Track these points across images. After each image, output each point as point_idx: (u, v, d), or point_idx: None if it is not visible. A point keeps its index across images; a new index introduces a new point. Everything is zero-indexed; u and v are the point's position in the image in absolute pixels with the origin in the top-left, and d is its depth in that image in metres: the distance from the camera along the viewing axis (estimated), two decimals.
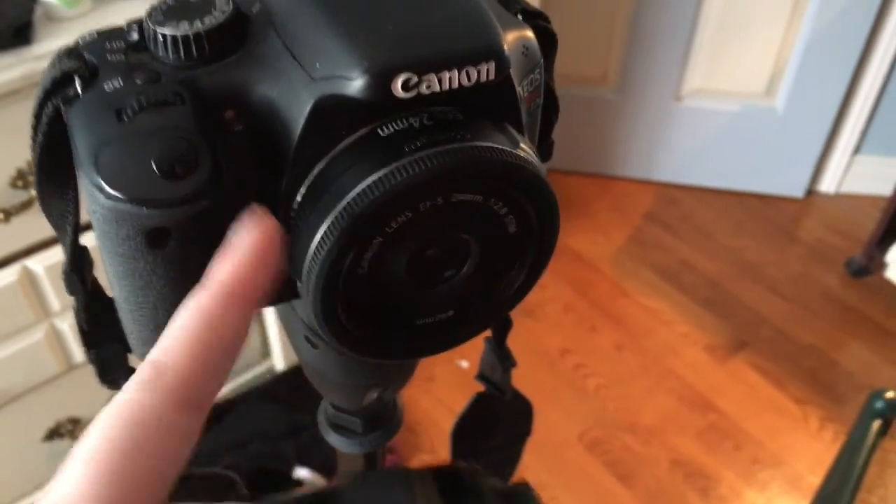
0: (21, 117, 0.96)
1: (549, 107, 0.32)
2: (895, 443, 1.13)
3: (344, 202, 0.23)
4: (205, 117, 0.24)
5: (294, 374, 1.40)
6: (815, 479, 1.45)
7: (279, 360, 1.44)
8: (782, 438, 1.58)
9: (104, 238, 0.24)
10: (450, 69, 0.23)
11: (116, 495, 0.19)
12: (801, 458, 1.54)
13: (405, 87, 0.23)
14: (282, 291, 0.29)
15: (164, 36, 0.25)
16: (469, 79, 0.24)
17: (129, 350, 0.30)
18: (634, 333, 1.78)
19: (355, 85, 0.23)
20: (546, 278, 0.29)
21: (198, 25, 0.25)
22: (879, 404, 1.32)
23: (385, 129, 0.24)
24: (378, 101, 0.23)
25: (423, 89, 0.23)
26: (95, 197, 0.23)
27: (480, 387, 0.46)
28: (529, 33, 0.28)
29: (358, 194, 0.23)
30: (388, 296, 0.27)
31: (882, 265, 1.85)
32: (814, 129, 2.04)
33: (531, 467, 1.55)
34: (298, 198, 0.25)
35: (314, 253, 0.24)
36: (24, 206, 0.96)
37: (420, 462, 1.29)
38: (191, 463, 0.22)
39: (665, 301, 1.85)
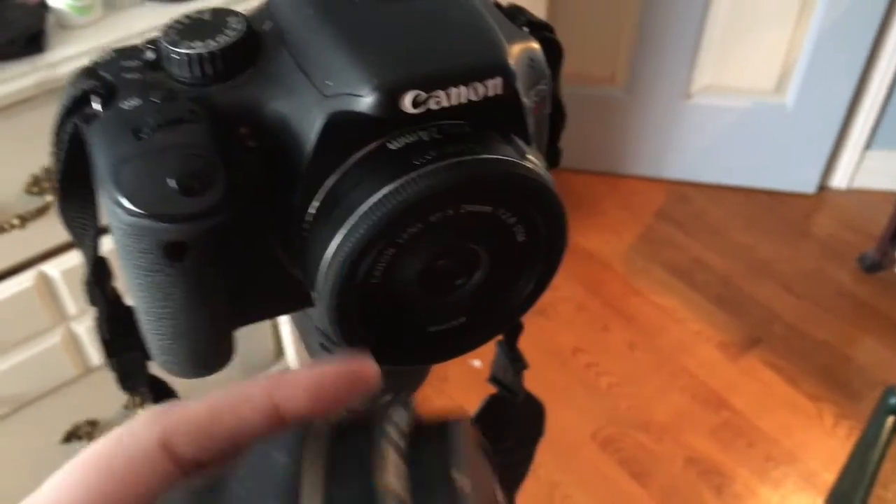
0: (35, 124, 0.97)
1: (557, 115, 0.32)
2: None
3: (357, 214, 0.24)
4: (219, 134, 0.25)
5: None
6: (829, 476, 1.45)
7: (293, 360, 1.45)
8: (796, 435, 1.58)
9: (125, 251, 0.25)
10: (457, 85, 0.24)
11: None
12: (815, 454, 1.54)
13: (414, 103, 0.24)
14: (296, 301, 0.30)
15: (179, 55, 0.25)
16: (476, 94, 0.24)
17: (148, 358, 0.31)
18: (647, 332, 1.78)
19: (366, 102, 0.24)
20: (557, 277, 0.30)
21: (211, 45, 0.25)
22: (894, 400, 1.31)
23: (395, 143, 0.25)
24: (388, 117, 0.24)
25: (432, 105, 0.24)
26: (116, 213, 0.24)
27: (493, 387, 0.46)
28: (535, 45, 0.29)
29: (370, 207, 0.24)
30: (400, 304, 0.27)
31: (895, 260, 1.85)
32: (824, 125, 2.03)
33: (544, 466, 1.56)
34: (311, 210, 0.25)
35: (328, 264, 0.24)
36: (40, 211, 0.97)
37: None
38: None
39: (677, 299, 1.85)
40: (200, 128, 0.24)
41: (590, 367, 1.71)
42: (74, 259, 1.02)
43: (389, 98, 0.23)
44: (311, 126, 0.25)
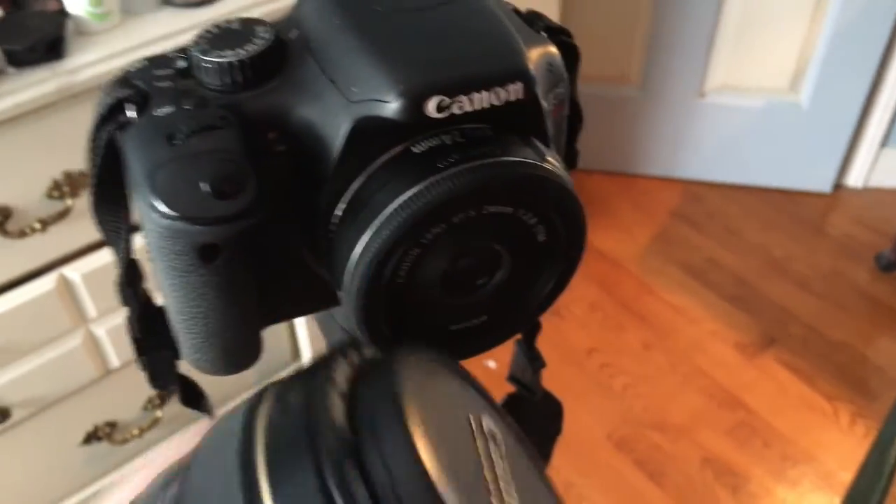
0: (55, 130, 0.99)
1: (574, 117, 0.33)
2: None
3: (383, 216, 0.24)
4: (249, 139, 0.25)
5: None
6: (846, 476, 1.44)
7: (308, 360, 1.46)
8: (813, 435, 1.58)
9: (159, 253, 0.26)
10: (479, 91, 0.25)
11: None
12: (832, 454, 1.54)
13: (438, 108, 0.24)
14: (322, 300, 0.31)
15: (209, 63, 0.26)
16: (498, 99, 0.25)
17: (178, 357, 0.32)
18: (662, 332, 1.78)
19: (391, 107, 0.24)
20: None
21: (241, 53, 0.26)
22: None
23: (419, 147, 0.25)
24: (412, 122, 0.25)
25: (455, 109, 0.25)
26: (151, 216, 0.24)
27: (508, 387, 0.47)
28: (553, 49, 0.30)
29: (396, 208, 0.24)
30: (424, 303, 0.28)
31: None
32: (840, 123, 2.02)
33: (560, 467, 1.56)
34: (338, 212, 0.26)
35: (355, 264, 0.25)
36: (61, 215, 0.98)
37: None
38: None
39: (692, 299, 1.85)
40: (231, 134, 0.25)
41: (604, 367, 1.71)
42: (95, 262, 1.04)
43: (414, 103, 0.24)
44: (337, 131, 0.25)
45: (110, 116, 0.26)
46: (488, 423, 0.24)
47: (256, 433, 0.19)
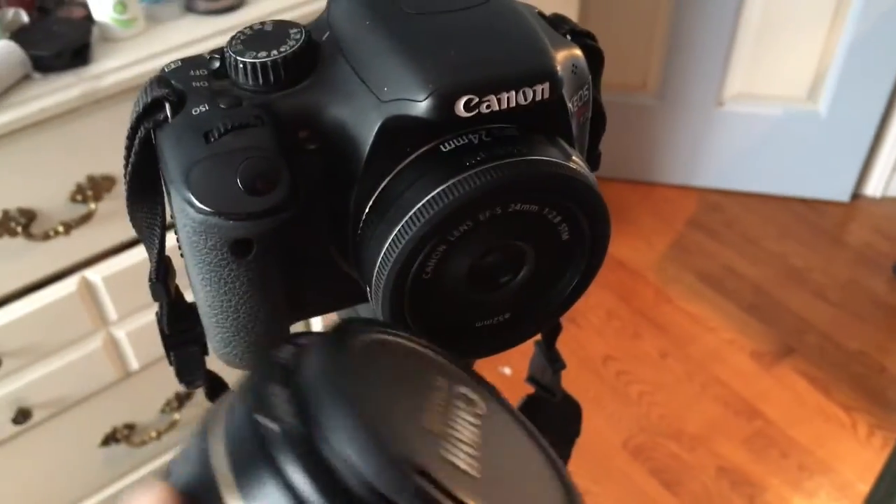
0: (80, 134, 1.00)
1: (597, 119, 0.34)
2: None
3: (411, 213, 0.25)
4: (282, 137, 0.26)
5: None
6: (863, 487, 1.43)
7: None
8: (830, 445, 1.56)
9: (192, 248, 0.26)
10: (508, 90, 0.25)
11: None
12: (849, 465, 1.53)
13: (467, 107, 0.25)
14: (348, 298, 0.31)
15: (244, 64, 0.27)
16: (525, 98, 0.26)
17: (206, 353, 0.33)
18: (678, 340, 1.78)
19: (421, 106, 0.25)
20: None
21: (274, 54, 0.27)
22: None
23: (447, 146, 0.26)
24: (441, 121, 0.25)
25: (484, 109, 0.25)
26: (186, 211, 0.25)
27: (521, 393, 0.47)
28: (578, 52, 0.30)
29: (423, 205, 0.25)
30: (449, 299, 0.28)
31: None
32: (858, 132, 2.01)
33: (575, 474, 1.54)
34: (367, 209, 0.27)
35: (383, 259, 0.26)
36: (84, 219, 1.00)
37: None
38: None
39: (709, 307, 1.84)
40: (264, 132, 0.26)
41: (621, 375, 1.71)
42: (116, 266, 1.05)
43: (444, 103, 0.25)
44: (368, 129, 0.26)
45: (147, 115, 0.27)
46: (459, 388, 0.23)
47: (214, 455, 0.19)
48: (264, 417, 0.18)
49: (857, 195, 2.14)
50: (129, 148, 0.27)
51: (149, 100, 0.27)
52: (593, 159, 0.35)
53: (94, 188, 0.99)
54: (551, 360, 0.44)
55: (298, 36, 0.27)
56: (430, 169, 0.26)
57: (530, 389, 0.47)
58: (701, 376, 1.70)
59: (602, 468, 1.53)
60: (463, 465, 0.20)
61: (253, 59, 0.27)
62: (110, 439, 1.21)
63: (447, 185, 0.25)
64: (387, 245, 0.25)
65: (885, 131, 2.03)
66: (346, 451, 0.18)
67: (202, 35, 1.01)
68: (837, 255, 1.99)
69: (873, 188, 2.13)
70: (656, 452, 1.56)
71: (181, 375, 0.34)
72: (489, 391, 0.25)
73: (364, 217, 0.27)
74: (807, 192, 2.13)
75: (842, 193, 2.12)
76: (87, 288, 1.05)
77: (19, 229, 0.96)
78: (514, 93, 0.25)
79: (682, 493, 1.50)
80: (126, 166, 0.28)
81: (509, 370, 1.56)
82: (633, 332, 1.80)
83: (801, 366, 1.71)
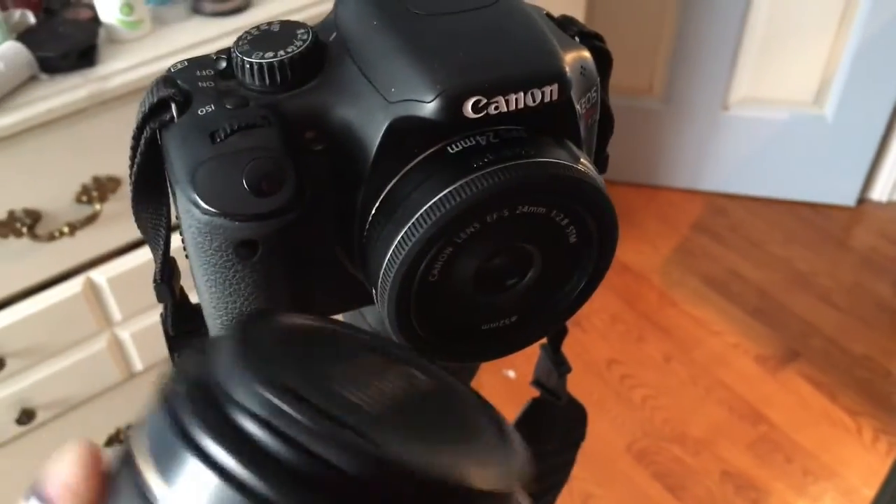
0: (86, 136, 1.00)
1: (605, 122, 0.33)
2: None
3: (418, 214, 0.25)
4: (289, 138, 0.26)
5: None
6: (869, 492, 1.43)
7: None
8: (835, 450, 1.56)
9: (197, 249, 0.26)
10: (516, 91, 0.25)
11: None
12: (854, 470, 1.52)
13: (475, 108, 0.25)
14: (354, 300, 0.31)
15: (251, 64, 0.27)
16: (534, 100, 0.25)
17: None
18: (683, 344, 1.77)
19: (429, 107, 0.25)
20: None
21: (281, 54, 0.27)
22: None
23: (454, 147, 0.26)
24: (449, 122, 0.25)
25: (492, 110, 0.25)
26: (191, 211, 0.25)
27: (526, 397, 0.47)
28: (587, 54, 0.30)
29: (430, 207, 0.25)
30: (456, 302, 0.28)
31: None
32: (864, 136, 2.01)
33: (579, 478, 1.55)
34: (374, 210, 0.27)
35: (389, 261, 0.26)
36: (89, 220, 1.00)
37: None
38: None
39: (714, 311, 1.84)
40: (271, 132, 0.26)
41: (625, 378, 1.71)
42: (121, 266, 1.05)
43: (452, 104, 0.25)
44: (375, 130, 0.26)
45: (153, 115, 0.27)
46: (376, 359, 0.23)
47: (138, 455, 0.19)
48: (174, 400, 0.19)
49: (862, 200, 2.14)
50: (134, 148, 0.27)
51: (155, 100, 0.27)
52: (601, 162, 0.35)
53: (100, 189, 1.00)
54: (557, 363, 0.44)
55: (305, 36, 0.27)
56: (437, 170, 0.26)
57: (535, 393, 0.47)
58: (705, 380, 1.69)
59: (606, 472, 1.52)
60: (354, 399, 0.19)
61: (260, 59, 0.27)
62: (114, 440, 1.21)
63: (454, 186, 0.25)
64: (393, 247, 0.25)
65: (891, 136, 2.02)
66: (238, 393, 0.17)
67: (209, 37, 1.01)
68: (843, 260, 1.98)
69: (879, 193, 2.13)
70: (660, 456, 1.56)
71: None
72: (443, 375, 0.24)
73: (371, 218, 0.27)
74: (812, 197, 2.13)
75: (848, 198, 2.12)
76: (92, 289, 1.05)
77: (25, 230, 0.96)
78: (522, 94, 0.25)
79: (686, 497, 1.50)
80: (131, 167, 0.28)
81: (514, 374, 1.55)
82: (637, 336, 1.79)
83: (806, 370, 1.70)
